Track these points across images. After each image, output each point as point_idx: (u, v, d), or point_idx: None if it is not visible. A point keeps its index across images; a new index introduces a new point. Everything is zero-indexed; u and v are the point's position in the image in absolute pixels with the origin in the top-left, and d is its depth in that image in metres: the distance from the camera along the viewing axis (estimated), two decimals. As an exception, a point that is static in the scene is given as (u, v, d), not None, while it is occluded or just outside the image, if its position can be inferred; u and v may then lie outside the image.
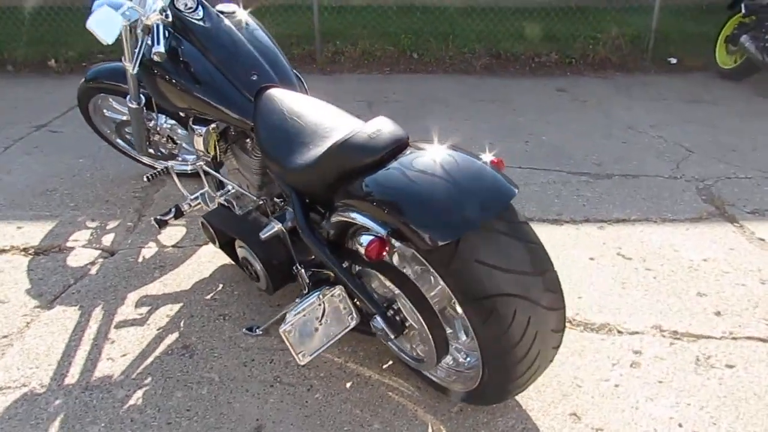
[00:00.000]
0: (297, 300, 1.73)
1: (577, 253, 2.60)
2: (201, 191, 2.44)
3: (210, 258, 2.52)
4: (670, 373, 1.93)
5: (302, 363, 1.64)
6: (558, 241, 2.68)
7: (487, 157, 1.62)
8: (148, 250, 2.59)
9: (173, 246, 2.62)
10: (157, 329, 2.11)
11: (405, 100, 4.59)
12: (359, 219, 1.55)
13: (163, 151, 2.76)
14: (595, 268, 2.48)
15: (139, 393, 1.84)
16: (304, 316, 1.64)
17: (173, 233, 2.71)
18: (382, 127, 1.62)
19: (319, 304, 1.66)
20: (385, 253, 1.49)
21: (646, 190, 3.16)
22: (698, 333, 2.11)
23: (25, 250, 2.59)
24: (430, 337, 1.58)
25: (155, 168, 2.72)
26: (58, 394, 1.84)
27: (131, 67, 2.00)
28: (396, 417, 1.78)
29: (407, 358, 1.81)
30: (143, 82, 2.16)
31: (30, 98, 4.59)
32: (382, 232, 1.49)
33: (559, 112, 4.37)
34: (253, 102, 1.95)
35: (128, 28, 2.00)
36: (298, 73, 2.26)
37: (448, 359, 1.77)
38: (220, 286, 2.35)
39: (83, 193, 3.08)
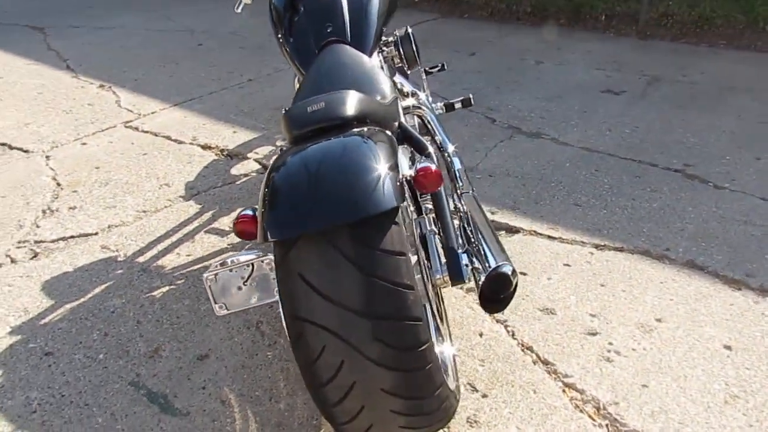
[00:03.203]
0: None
1: (713, 332, 1.84)
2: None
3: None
4: None
5: (218, 314, 1.66)
6: (705, 309, 1.93)
7: (423, 163, 1.32)
8: (290, 177, 2.83)
9: (310, 178, 2.80)
10: (229, 244, 2.37)
11: (701, 84, 3.67)
12: (271, 193, 1.46)
13: None
14: (717, 361, 1.74)
15: (165, 289, 2.15)
16: (230, 270, 1.64)
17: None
18: (331, 103, 1.44)
19: (248, 266, 1.63)
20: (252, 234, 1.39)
21: None
22: None
23: (221, 150, 3.13)
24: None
25: None
26: (124, 266, 2.27)
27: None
28: (305, 408, 1.67)
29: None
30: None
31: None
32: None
33: None
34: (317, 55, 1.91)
35: None
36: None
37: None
38: (305, 225, 2.46)
39: (300, 115, 3.47)
